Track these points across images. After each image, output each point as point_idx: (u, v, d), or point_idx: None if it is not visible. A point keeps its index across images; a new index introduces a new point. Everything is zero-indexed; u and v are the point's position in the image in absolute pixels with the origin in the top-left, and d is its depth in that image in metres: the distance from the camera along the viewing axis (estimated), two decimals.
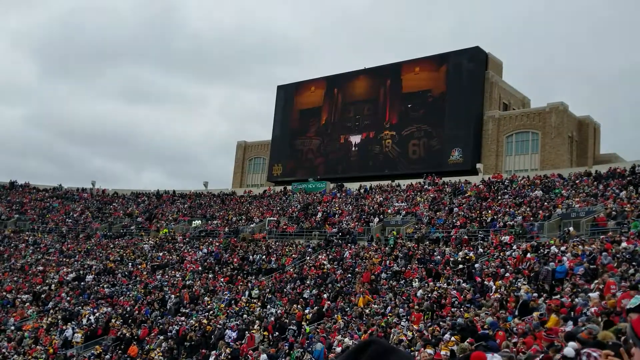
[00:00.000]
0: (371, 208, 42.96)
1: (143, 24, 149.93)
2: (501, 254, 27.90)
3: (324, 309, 27.27)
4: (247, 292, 32.56)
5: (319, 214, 44.58)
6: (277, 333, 25.63)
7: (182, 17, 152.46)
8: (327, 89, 63.94)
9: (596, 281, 18.46)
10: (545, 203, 33.69)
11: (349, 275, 31.27)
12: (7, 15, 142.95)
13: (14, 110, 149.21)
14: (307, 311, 27.48)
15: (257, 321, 27.33)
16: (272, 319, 27.37)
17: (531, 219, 32.04)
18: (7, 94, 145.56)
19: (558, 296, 18.64)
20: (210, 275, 37.16)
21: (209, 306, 31.78)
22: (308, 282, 31.76)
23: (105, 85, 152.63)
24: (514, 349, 14.04)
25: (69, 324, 32.79)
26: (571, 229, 28.58)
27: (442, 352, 14.73)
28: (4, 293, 40.24)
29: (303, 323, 26.15)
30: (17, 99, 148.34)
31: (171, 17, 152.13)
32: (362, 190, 48.52)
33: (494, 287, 23.16)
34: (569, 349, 11.82)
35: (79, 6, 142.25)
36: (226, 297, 32.42)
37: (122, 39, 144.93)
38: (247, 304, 30.56)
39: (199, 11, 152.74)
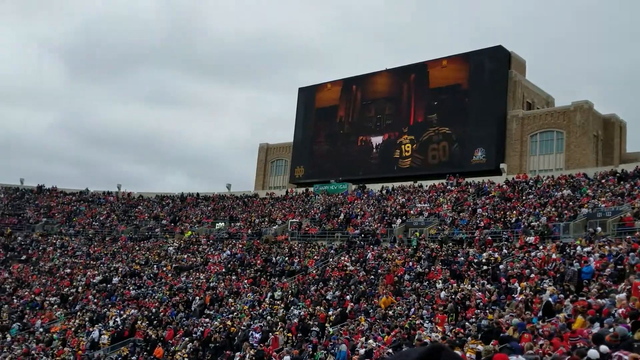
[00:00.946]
0: (393, 209, 42.84)
1: (167, 29, 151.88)
2: (526, 254, 27.59)
3: (347, 311, 27.27)
4: (270, 294, 32.72)
5: (341, 216, 44.59)
6: (300, 334, 25.70)
7: (205, 21, 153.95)
8: (345, 86, 64.05)
9: (623, 282, 18.17)
10: (571, 203, 33.24)
11: (372, 277, 31.22)
12: (35, 22, 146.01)
13: (42, 115, 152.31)
14: (330, 313, 27.51)
15: (280, 323, 27.46)
16: (296, 320, 27.46)
17: (556, 219, 31.63)
18: (36, 100, 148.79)
19: (584, 297, 18.38)
20: (233, 277, 37.43)
21: (232, 308, 32.02)
22: (331, 283, 31.79)
23: (130, 90, 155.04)
24: (540, 351, 13.91)
25: (96, 325, 33.31)
26: (598, 228, 28.14)
27: (467, 355, 14.63)
28: (33, 295, 41.04)
29: (326, 325, 26.19)
30: (46, 104, 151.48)
31: (195, 21, 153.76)
32: (384, 192, 48.42)
33: (519, 288, 22.92)
34: (594, 351, 11.68)
35: (105, 12, 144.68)
36: (250, 299, 32.62)
37: (147, 44, 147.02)
38: (271, 306, 30.71)
39: (222, 16, 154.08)
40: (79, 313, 36.57)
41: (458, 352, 15.35)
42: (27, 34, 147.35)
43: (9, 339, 34.26)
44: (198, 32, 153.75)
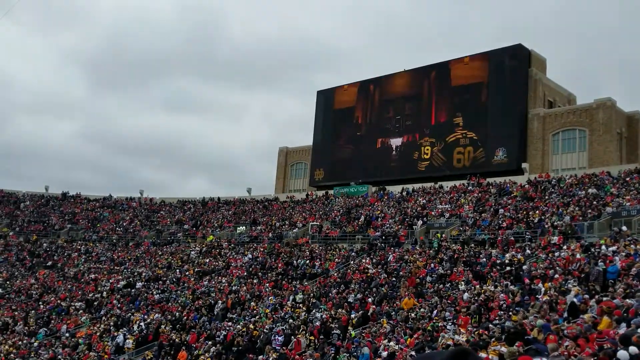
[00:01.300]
0: (414, 211, 42.63)
1: (186, 36, 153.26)
2: (550, 255, 27.24)
3: (369, 313, 27.20)
4: (292, 297, 32.78)
5: (362, 218, 44.51)
6: (322, 337, 25.69)
7: (224, 27, 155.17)
8: (363, 87, 64.04)
9: None
10: (595, 202, 32.75)
11: (394, 279, 31.10)
12: (58, 33, 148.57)
13: (66, 124, 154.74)
14: (352, 315, 27.47)
15: (302, 326, 27.48)
16: (318, 323, 27.46)
17: (580, 218, 31.18)
18: (60, 109, 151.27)
19: (610, 297, 18.09)
20: (255, 281, 37.58)
21: (254, 311, 32.14)
22: (352, 286, 31.74)
23: (151, 97, 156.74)
24: (565, 352, 13.72)
25: (121, 330, 33.69)
26: (624, 227, 27.68)
27: (490, 357, 14.50)
28: (59, 301, 41.68)
29: (349, 327, 26.15)
30: (70, 113, 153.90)
31: (214, 28, 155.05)
32: (404, 193, 48.21)
33: (543, 289, 22.64)
34: (624, 352, 11.49)
35: (125, 21, 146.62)
36: (271, 303, 32.71)
37: (166, 52, 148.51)
38: (293, 309, 30.76)
39: (241, 21, 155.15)
40: (103, 318, 37.03)
41: (483, 355, 15.21)
42: (49, 45, 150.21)
43: (36, 344, 34.82)
44: (217, 39, 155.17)
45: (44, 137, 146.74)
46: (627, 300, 17.00)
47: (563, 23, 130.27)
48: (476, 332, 19.54)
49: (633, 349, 11.54)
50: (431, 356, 1.82)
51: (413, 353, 19.96)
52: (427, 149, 56.35)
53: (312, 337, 25.72)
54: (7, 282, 47.36)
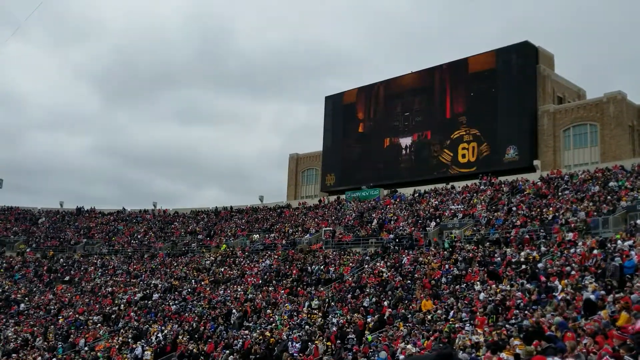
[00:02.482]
0: (427, 212, 42.50)
1: (196, 48, 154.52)
2: (565, 251, 27.03)
3: (385, 317, 27.13)
4: (307, 303, 32.78)
5: (375, 221, 44.44)
6: (339, 342, 25.66)
7: (232, 38, 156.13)
8: (370, 90, 64.26)
9: None
10: (609, 197, 32.47)
11: (409, 281, 31.01)
12: (69, 49, 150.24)
13: (80, 139, 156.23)
14: (368, 319, 27.41)
15: (318, 332, 27.46)
16: (334, 328, 27.43)
17: (594, 214, 30.93)
18: (73, 125, 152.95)
19: (628, 292, 17.91)
20: (270, 288, 37.63)
21: (271, 319, 32.17)
22: (367, 290, 31.69)
23: (162, 109, 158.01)
24: (584, 350, 13.61)
25: (139, 342, 33.82)
26: (638, 221, 27.42)
27: (505, 356, 14.41)
28: (77, 315, 41.98)
29: (365, 332, 26.10)
30: (82, 128, 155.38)
31: (223, 39, 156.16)
32: (416, 195, 48.10)
33: (559, 286, 22.47)
34: None
35: (135, 35, 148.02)
36: (287, 309, 32.74)
37: (177, 63, 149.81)
38: (308, 315, 30.75)
39: (249, 31, 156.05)
40: (121, 330, 37.23)
41: (504, 354, 15.09)
42: (61, 61, 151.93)
43: (55, 359, 35.07)
44: (226, 49, 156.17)
45: (57, 152, 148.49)
46: None
47: (570, 19, 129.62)
48: (494, 332, 19.40)
49: None
50: (420, 358, 1.92)
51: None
52: (437, 147, 56.24)
53: (328, 343, 25.69)
54: (26, 298, 47.80)
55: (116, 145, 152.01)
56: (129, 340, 34.94)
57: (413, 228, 40.28)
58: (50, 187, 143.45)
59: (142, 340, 34.22)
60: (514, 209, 36.71)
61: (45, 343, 37.69)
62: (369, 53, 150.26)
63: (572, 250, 26.69)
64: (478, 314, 22.81)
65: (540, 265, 26.23)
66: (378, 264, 35.63)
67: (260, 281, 39.68)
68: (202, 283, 42.96)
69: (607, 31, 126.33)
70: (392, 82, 62.60)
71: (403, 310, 27.28)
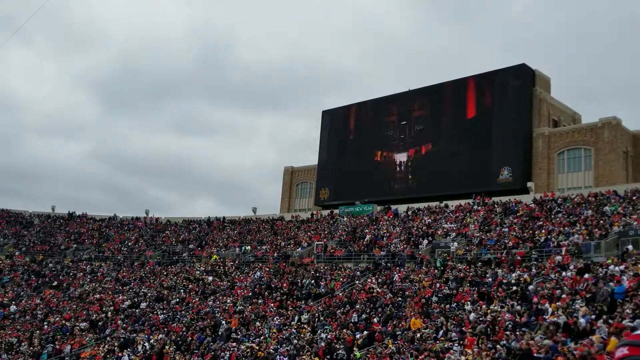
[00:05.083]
0: (419, 230, 42.46)
1: (196, 60, 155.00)
2: (556, 274, 27.00)
3: (374, 334, 26.97)
4: (297, 317, 32.56)
5: (367, 237, 44.35)
6: (327, 358, 25.47)
7: (233, 51, 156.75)
8: (367, 106, 64.52)
9: None
10: (601, 221, 32.55)
11: (399, 299, 30.88)
12: (70, 57, 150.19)
13: (77, 145, 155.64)
14: (357, 336, 27.24)
15: (307, 346, 27.25)
16: (323, 344, 27.24)
17: (586, 238, 30.98)
18: (71, 131, 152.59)
19: (618, 318, 17.89)
20: (260, 301, 37.38)
21: (259, 332, 31.92)
22: (358, 306, 31.53)
23: (160, 119, 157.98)
24: None
25: (125, 351, 33.47)
26: (630, 247, 27.48)
27: None
28: (63, 321, 41.51)
29: (354, 348, 25.92)
30: (80, 135, 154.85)
31: (223, 52, 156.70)
32: (409, 212, 48.07)
33: (549, 309, 22.42)
34: None
35: (136, 44, 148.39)
36: (276, 323, 32.50)
37: (176, 74, 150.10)
38: (297, 329, 30.54)
39: (249, 45, 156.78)
40: (108, 338, 36.84)
41: None
42: (61, 68, 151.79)
43: None
44: (227, 62, 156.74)
45: (54, 158, 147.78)
46: (637, 320, 16.80)
47: (567, 42, 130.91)
48: (483, 353, 19.32)
49: None
50: None
51: None
52: (432, 164, 56.40)
53: (316, 359, 25.50)
54: (13, 302, 47.28)
55: (113, 152, 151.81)
56: (115, 348, 34.58)
57: (405, 245, 40.21)
58: (44, 192, 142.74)
59: (129, 349, 33.87)
60: (507, 229, 36.73)
61: (31, 348, 37.23)
62: (368, 72, 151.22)
63: (563, 274, 26.68)
64: (468, 334, 22.70)
65: (531, 287, 26.18)
66: (369, 280, 35.50)
67: (250, 293, 39.42)
68: (191, 293, 42.61)
69: (604, 56, 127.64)
70: (389, 99, 62.92)
71: (392, 328, 27.14)
